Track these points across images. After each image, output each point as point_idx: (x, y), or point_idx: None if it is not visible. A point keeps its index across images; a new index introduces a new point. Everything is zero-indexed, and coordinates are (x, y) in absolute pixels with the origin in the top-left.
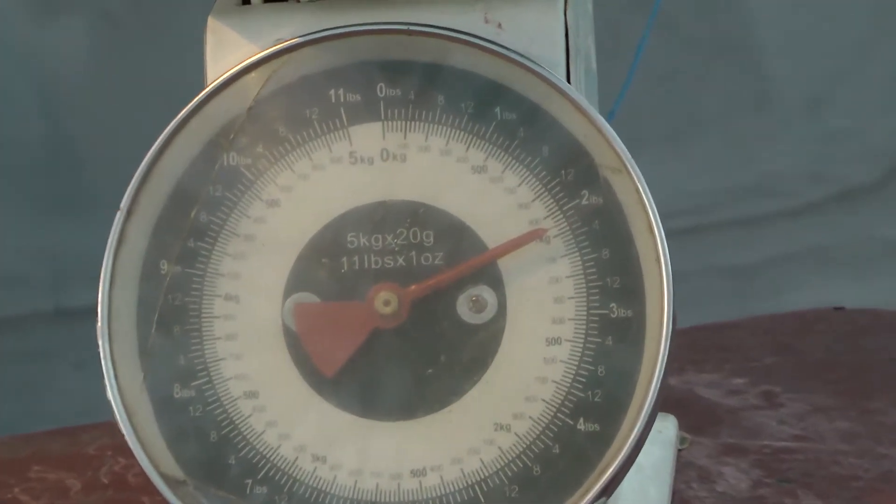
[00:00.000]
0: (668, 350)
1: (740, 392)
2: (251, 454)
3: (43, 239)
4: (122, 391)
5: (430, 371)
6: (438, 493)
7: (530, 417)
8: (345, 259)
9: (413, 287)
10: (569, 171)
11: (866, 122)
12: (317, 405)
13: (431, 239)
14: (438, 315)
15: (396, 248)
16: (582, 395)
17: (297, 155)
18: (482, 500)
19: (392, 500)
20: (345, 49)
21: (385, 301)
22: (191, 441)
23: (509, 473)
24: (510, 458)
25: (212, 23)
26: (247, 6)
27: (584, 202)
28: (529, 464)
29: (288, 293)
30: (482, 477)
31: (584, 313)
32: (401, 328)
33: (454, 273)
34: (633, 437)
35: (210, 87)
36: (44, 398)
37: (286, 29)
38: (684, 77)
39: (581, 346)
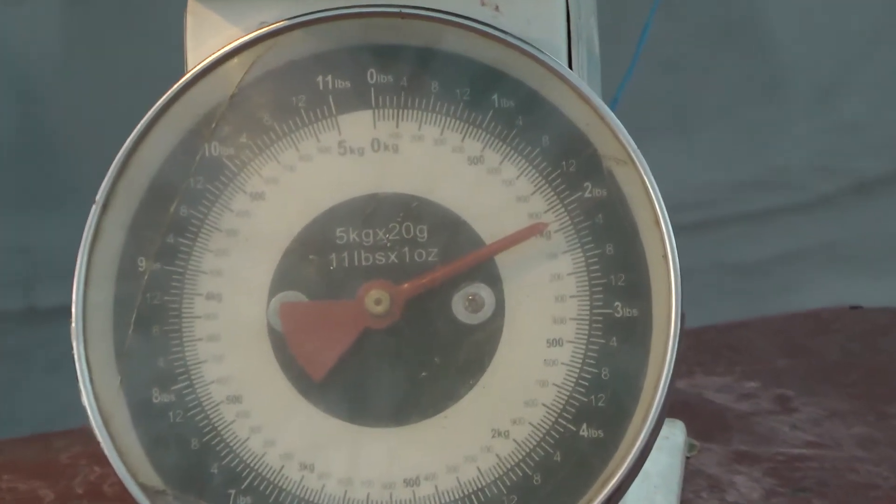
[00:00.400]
0: (675, 351)
1: (752, 396)
2: (235, 462)
3: (13, 234)
4: (97, 395)
5: (423, 374)
6: None
7: (530, 423)
8: (334, 255)
9: (406, 285)
10: (570, 162)
11: (881, 112)
12: (304, 410)
13: (425, 234)
14: (433, 315)
15: (388, 244)
16: (585, 399)
17: (282, 145)
18: None
19: None
20: (333, 33)
21: (376, 300)
22: (171, 448)
23: (508, 482)
24: (509, 467)
25: (192, 4)
26: None
27: (587, 195)
28: (529, 472)
29: (273, 292)
30: (479, 486)
31: (587, 313)
32: (393, 328)
33: (449, 270)
34: (638, 443)
35: (190, 73)
36: (14, 402)
37: (271, 11)
38: (691, 63)
39: (584, 347)
